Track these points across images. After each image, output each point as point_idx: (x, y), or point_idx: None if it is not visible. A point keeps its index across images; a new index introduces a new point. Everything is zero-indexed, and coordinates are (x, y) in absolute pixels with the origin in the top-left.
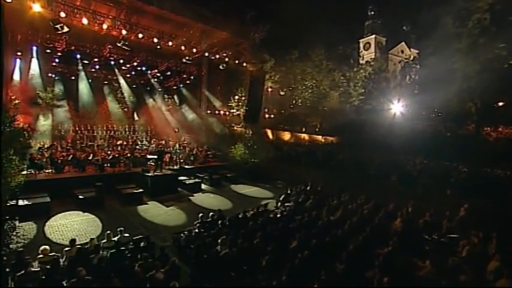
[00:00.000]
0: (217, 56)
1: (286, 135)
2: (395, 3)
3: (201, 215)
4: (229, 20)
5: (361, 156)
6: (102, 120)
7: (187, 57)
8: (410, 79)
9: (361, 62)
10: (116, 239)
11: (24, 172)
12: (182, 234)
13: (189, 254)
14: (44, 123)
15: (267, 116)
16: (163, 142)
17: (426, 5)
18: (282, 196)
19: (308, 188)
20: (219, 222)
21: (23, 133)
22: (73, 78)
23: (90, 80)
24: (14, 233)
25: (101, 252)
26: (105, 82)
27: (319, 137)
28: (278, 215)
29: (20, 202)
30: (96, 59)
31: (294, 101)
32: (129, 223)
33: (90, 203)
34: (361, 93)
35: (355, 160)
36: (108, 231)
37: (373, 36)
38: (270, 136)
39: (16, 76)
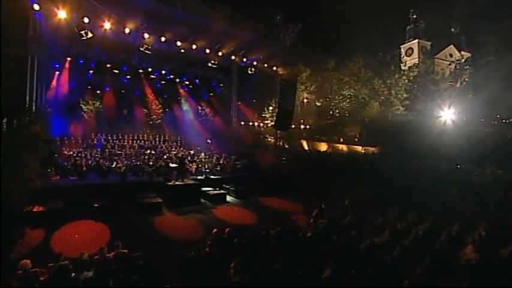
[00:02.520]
0: (245, 60)
1: (323, 146)
2: (440, 5)
3: (214, 230)
4: (256, 21)
5: (409, 167)
6: (132, 129)
7: (212, 61)
8: (463, 82)
9: (403, 68)
10: (109, 255)
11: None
12: (190, 253)
13: (194, 278)
14: (79, 131)
15: (302, 126)
16: (191, 152)
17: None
18: (315, 211)
19: (346, 202)
20: (236, 240)
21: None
22: (107, 89)
23: (122, 91)
24: (20, 241)
25: (85, 271)
26: (136, 92)
27: (359, 148)
28: (308, 234)
29: (36, 208)
30: (125, 69)
31: (331, 112)
32: (141, 235)
33: (105, 211)
34: (405, 98)
35: (402, 171)
36: (103, 246)
37: (416, 40)
38: (306, 147)
39: (54, 86)
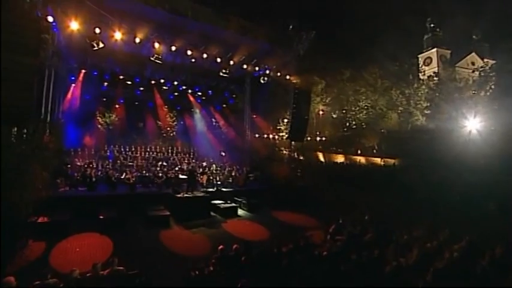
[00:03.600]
0: (257, 69)
1: (339, 158)
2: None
3: (220, 247)
4: (269, 30)
5: (435, 179)
6: (145, 141)
7: (224, 70)
8: (489, 90)
9: (421, 77)
10: (103, 272)
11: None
12: (193, 272)
13: None
14: (92, 142)
15: (318, 138)
16: (204, 164)
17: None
18: (332, 226)
19: (366, 217)
20: (243, 258)
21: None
22: (122, 101)
23: (136, 102)
24: (19, 254)
25: None
26: (149, 104)
27: (378, 159)
28: (325, 252)
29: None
30: (138, 80)
31: (347, 123)
32: (145, 249)
33: (111, 224)
34: (426, 107)
35: (427, 184)
36: (96, 263)
37: (435, 49)
38: (322, 159)
39: (69, 98)
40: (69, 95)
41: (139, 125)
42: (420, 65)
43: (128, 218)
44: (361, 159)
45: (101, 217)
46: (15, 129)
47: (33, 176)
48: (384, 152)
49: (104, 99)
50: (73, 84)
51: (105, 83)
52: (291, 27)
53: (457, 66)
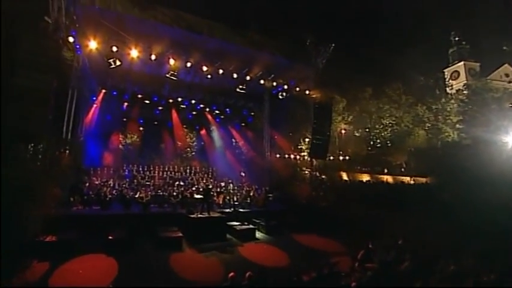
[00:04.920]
0: (275, 84)
1: (364, 177)
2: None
3: (231, 274)
4: (286, 45)
5: (479, 198)
6: (163, 160)
7: (240, 86)
8: None
9: (448, 91)
10: None
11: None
12: None
13: None
14: (111, 161)
15: (341, 158)
16: (222, 184)
17: None
18: (361, 252)
19: (400, 241)
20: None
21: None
22: (141, 121)
23: (155, 122)
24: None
25: None
26: (168, 123)
27: (407, 178)
28: (353, 283)
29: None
30: (156, 99)
31: (371, 142)
32: (151, 273)
33: (119, 245)
34: (458, 121)
35: (470, 203)
36: None
37: (462, 63)
38: (345, 178)
39: (90, 117)
40: (90, 115)
41: (161, 146)
42: (447, 79)
43: (138, 239)
44: (388, 179)
45: (110, 237)
46: (31, 145)
47: (44, 192)
48: (413, 171)
49: (124, 119)
50: (95, 105)
51: (125, 103)
52: (308, 41)
53: (489, 78)
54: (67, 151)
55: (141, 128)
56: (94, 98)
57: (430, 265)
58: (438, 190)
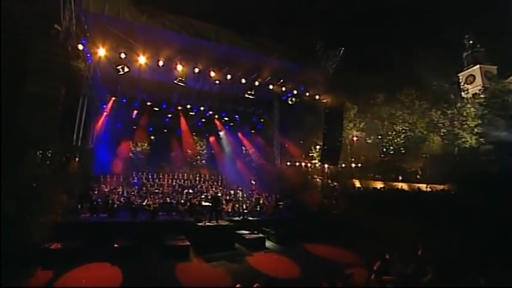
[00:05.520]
0: (284, 89)
1: (378, 184)
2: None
3: (237, 286)
4: (294, 49)
5: (506, 206)
6: (173, 168)
7: (249, 91)
8: None
9: (464, 96)
10: None
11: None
12: None
13: None
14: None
15: (353, 165)
16: (231, 192)
17: None
18: (377, 263)
19: (419, 251)
20: None
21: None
22: (151, 129)
23: (165, 130)
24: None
25: None
26: (177, 131)
27: (423, 185)
28: None
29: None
30: (165, 106)
31: (384, 149)
32: (156, 284)
33: (125, 253)
34: (477, 125)
35: (494, 212)
36: None
37: (477, 66)
38: (358, 186)
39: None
40: (100, 122)
41: (170, 154)
42: (462, 84)
43: (144, 247)
44: (403, 186)
45: (116, 246)
46: (40, 152)
47: (51, 199)
48: (429, 178)
49: (134, 127)
50: (105, 112)
51: (135, 111)
52: (318, 46)
53: (508, 81)
54: (76, 158)
55: (152, 137)
56: (104, 106)
57: (456, 278)
58: (458, 197)
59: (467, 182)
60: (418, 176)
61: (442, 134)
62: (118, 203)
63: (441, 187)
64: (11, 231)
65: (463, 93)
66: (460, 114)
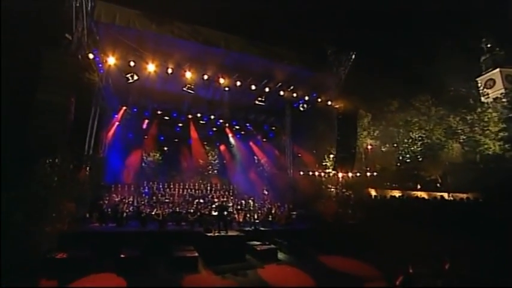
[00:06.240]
0: (295, 95)
1: (395, 193)
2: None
3: None
4: (305, 55)
5: None
6: (184, 178)
7: (259, 98)
8: None
9: (484, 100)
10: None
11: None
12: None
13: None
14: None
15: (368, 174)
16: (243, 201)
17: None
18: (400, 278)
19: (446, 265)
20: None
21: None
22: (162, 138)
23: (176, 139)
24: None
25: None
26: (189, 141)
27: (445, 194)
28: None
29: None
30: (175, 115)
31: (400, 157)
32: None
33: (131, 264)
34: (499, 130)
35: None
36: None
37: (497, 70)
38: (374, 195)
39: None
40: (111, 132)
41: (182, 164)
42: (481, 88)
43: (151, 258)
44: (423, 195)
45: (122, 256)
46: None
47: (58, 208)
48: (450, 186)
49: (145, 137)
50: (117, 122)
51: (146, 120)
52: (329, 51)
53: None
54: (87, 167)
55: (165, 148)
56: (115, 115)
57: None
58: (484, 207)
59: (495, 191)
60: (438, 185)
61: (461, 140)
62: (127, 211)
63: (465, 195)
64: (17, 239)
65: (482, 98)
66: (481, 120)
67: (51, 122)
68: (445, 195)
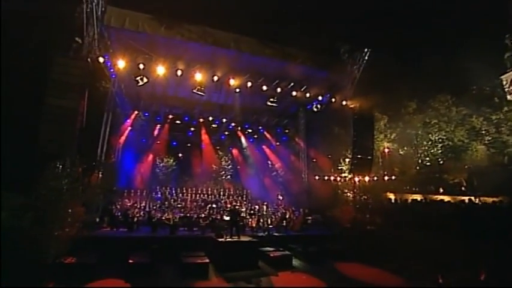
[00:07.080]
0: (308, 95)
1: (416, 197)
2: None
3: None
4: (317, 54)
5: None
6: (196, 183)
7: (271, 99)
8: None
9: (510, 99)
10: None
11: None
12: None
13: None
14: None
15: (386, 178)
16: (256, 207)
17: None
18: None
19: (482, 275)
20: None
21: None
22: (174, 144)
23: (188, 144)
24: None
25: None
26: (201, 146)
27: (472, 198)
28: None
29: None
30: (187, 119)
31: (419, 160)
32: None
33: (140, 270)
34: None
35: None
36: None
37: None
38: (393, 200)
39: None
40: (123, 136)
41: (194, 168)
42: (507, 86)
43: (160, 264)
44: (447, 199)
45: (131, 261)
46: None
47: (67, 212)
48: (477, 190)
49: (158, 142)
50: (129, 127)
51: (158, 125)
52: (342, 49)
53: None
54: (99, 172)
55: (180, 155)
56: (127, 120)
57: None
58: None
59: None
60: (463, 188)
61: (486, 142)
62: (138, 216)
63: (494, 199)
64: (26, 243)
65: (508, 97)
66: (508, 120)
67: (60, 125)
68: (473, 198)
